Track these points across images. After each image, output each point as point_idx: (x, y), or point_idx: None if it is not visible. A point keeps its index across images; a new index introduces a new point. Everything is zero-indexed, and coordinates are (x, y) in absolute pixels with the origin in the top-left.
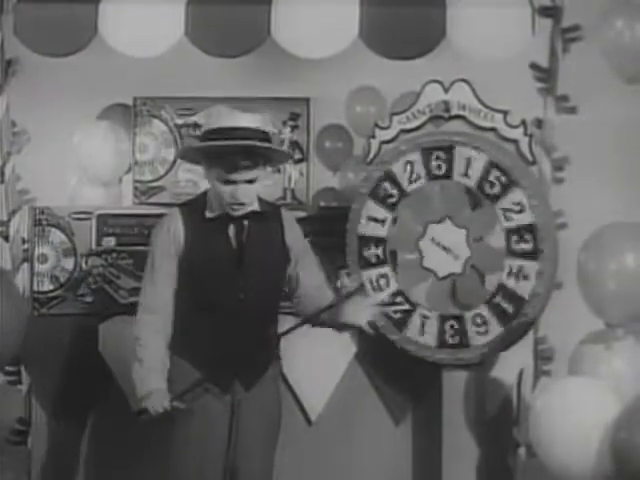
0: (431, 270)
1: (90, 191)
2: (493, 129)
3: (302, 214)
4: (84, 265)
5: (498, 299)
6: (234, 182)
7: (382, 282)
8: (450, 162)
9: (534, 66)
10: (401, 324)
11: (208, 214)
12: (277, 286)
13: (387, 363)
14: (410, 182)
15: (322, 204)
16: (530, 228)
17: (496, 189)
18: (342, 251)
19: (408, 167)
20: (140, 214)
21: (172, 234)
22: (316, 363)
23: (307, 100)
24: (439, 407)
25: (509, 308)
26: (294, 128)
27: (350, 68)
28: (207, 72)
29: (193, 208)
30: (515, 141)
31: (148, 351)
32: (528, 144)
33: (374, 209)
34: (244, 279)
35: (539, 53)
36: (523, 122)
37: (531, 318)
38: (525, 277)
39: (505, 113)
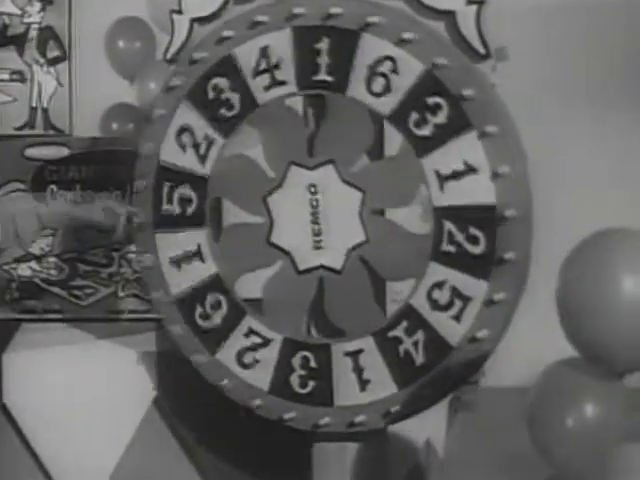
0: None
1: None
2: None
3: (63, 152)
4: None
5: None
6: None
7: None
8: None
9: None
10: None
11: None
12: None
13: (214, 416)
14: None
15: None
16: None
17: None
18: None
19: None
20: None
21: None
22: (84, 425)
23: None
24: None
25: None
26: (45, 5)
27: None
28: None
29: None
30: (449, 13)
31: None
32: (475, 21)
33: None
34: None
35: None
36: None
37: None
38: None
39: None
